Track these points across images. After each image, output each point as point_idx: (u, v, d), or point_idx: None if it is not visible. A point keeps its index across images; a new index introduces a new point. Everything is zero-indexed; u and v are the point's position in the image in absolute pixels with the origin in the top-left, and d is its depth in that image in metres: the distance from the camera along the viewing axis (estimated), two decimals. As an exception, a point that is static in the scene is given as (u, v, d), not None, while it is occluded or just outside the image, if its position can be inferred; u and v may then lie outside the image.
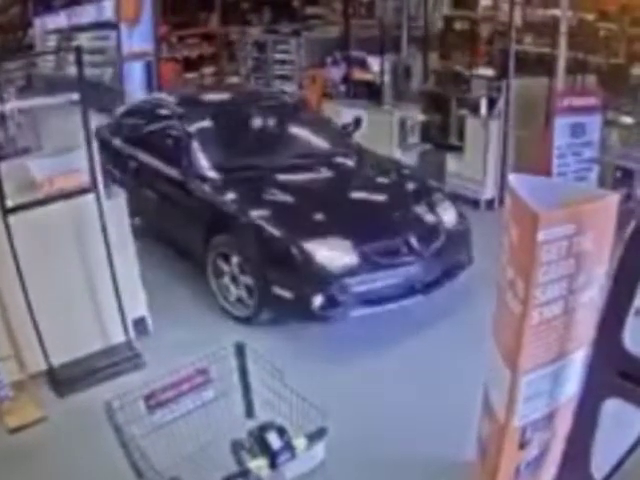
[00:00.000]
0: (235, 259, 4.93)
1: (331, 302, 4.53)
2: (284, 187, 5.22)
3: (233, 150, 5.70)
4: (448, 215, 5.19)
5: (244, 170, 5.34)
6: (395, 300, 4.69)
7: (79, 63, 3.94)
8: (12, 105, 5.86)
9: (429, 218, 5.10)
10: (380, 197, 5.42)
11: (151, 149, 6.01)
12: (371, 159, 6.09)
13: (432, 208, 5.17)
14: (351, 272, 4.55)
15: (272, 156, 5.62)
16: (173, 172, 5.59)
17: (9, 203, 3.87)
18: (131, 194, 4.70)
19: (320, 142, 6.26)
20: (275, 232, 4.72)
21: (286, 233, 4.69)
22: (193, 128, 5.66)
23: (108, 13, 12.15)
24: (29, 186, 3.98)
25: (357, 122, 6.64)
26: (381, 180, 5.74)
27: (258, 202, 5.01)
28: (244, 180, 5.25)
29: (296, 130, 6.34)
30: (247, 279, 4.86)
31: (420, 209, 5.14)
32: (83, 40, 12.52)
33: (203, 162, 5.45)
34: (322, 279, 4.55)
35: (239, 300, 4.99)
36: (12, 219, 3.88)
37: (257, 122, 6.17)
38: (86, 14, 13.03)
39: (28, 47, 14.87)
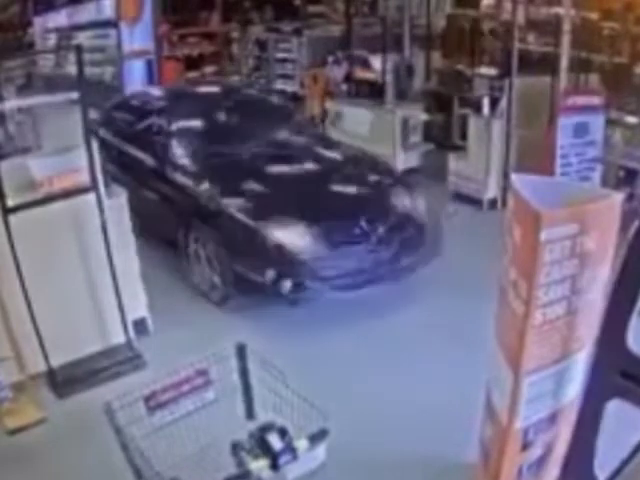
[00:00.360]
0: (208, 245, 5.17)
1: (298, 285, 4.73)
2: (253, 176, 5.41)
3: (207, 142, 5.94)
4: (417, 208, 5.38)
5: (215, 158, 5.63)
6: (362, 285, 4.88)
7: (79, 62, 3.93)
8: (12, 104, 5.82)
9: (397, 209, 5.30)
10: (346, 186, 5.60)
11: (134, 141, 6.28)
12: (340, 150, 6.32)
13: (400, 200, 5.37)
14: (317, 257, 4.77)
15: (242, 147, 5.86)
16: (151, 161, 5.87)
17: (9, 203, 3.84)
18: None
19: (288, 134, 6.45)
20: (243, 218, 4.93)
21: (253, 219, 4.89)
22: (173, 124, 5.98)
23: (108, 12, 12.13)
24: (29, 186, 3.96)
25: (324, 113, 7.20)
26: (348, 170, 5.93)
27: (228, 191, 5.22)
28: (215, 169, 5.50)
29: (263, 122, 6.44)
30: (218, 263, 5.08)
31: (388, 200, 5.35)
32: (83, 39, 12.49)
33: (179, 152, 5.76)
34: (286, 262, 4.76)
35: (213, 285, 5.21)
36: (12, 219, 3.86)
37: (230, 115, 6.42)
38: (86, 13, 13.01)
39: (28, 46, 14.83)
